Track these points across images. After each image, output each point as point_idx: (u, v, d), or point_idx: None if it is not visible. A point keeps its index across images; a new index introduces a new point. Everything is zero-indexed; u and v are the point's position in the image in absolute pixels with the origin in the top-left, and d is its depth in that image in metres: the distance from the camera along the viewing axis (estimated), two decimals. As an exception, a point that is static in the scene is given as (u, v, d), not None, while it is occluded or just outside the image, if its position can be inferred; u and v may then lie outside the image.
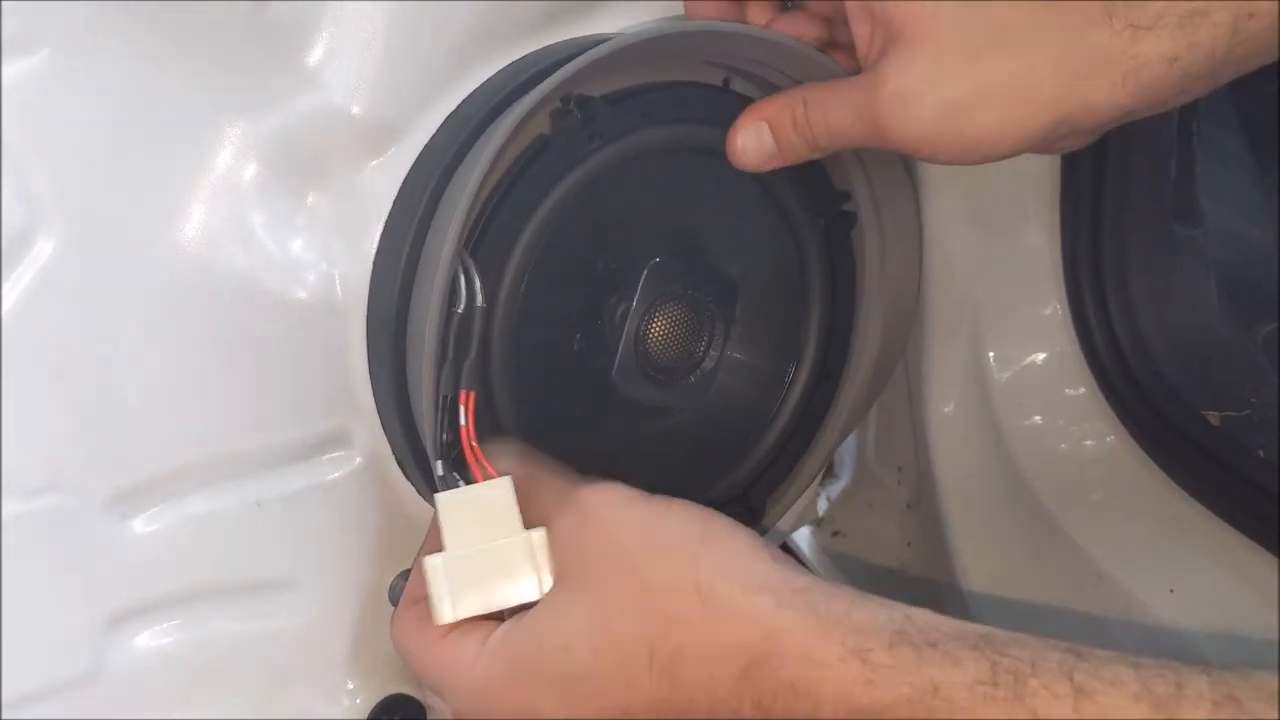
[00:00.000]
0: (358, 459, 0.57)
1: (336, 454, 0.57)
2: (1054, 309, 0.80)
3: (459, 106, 0.55)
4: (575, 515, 0.48)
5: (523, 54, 0.56)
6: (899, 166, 0.64)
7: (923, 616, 0.45)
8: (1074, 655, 0.42)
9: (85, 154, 0.48)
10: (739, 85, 0.59)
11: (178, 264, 0.51)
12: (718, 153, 0.56)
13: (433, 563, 0.48)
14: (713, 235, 0.61)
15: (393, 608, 0.59)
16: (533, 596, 0.48)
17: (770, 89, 0.58)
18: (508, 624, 0.47)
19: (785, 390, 0.66)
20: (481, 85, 0.55)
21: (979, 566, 0.81)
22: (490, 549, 0.48)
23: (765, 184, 0.60)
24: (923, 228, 0.67)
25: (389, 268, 0.54)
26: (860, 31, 0.53)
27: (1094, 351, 0.78)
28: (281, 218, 0.53)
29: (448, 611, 0.48)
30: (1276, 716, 0.38)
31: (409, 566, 0.59)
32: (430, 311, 0.49)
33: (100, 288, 0.50)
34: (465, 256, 0.51)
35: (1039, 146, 0.51)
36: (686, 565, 0.46)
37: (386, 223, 0.54)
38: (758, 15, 0.57)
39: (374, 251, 0.55)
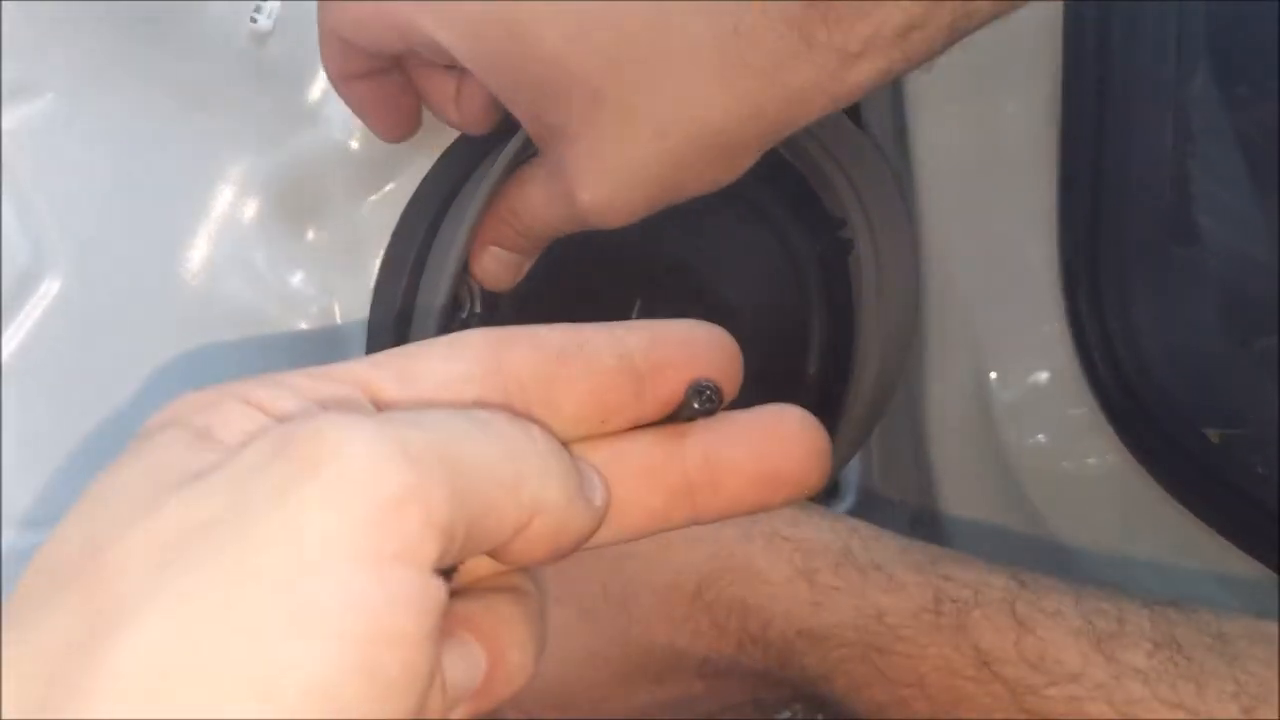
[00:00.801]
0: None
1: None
2: (1054, 327, 0.80)
3: (454, 143, 0.55)
4: None
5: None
6: (894, 192, 0.65)
7: (868, 531, 0.46)
8: (1017, 583, 0.43)
9: (90, 195, 0.50)
10: None
11: (181, 300, 0.52)
12: None
13: None
14: (708, 262, 0.62)
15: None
16: None
17: None
18: None
19: None
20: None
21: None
22: None
23: (760, 211, 0.61)
24: (919, 252, 0.68)
25: (388, 299, 0.55)
26: (520, 117, 0.46)
27: (1094, 370, 0.78)
28: (282, 253, 0.54)
29: None
30: (1216, 660, 0.39)
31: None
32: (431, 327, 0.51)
33: (105, 325, 0.51)
34: (467, 276, 0.52)
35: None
36: None
37: (385, 254, 0.55)
38: (435, 90, 0.49)
39: (373, 283, 0.55)
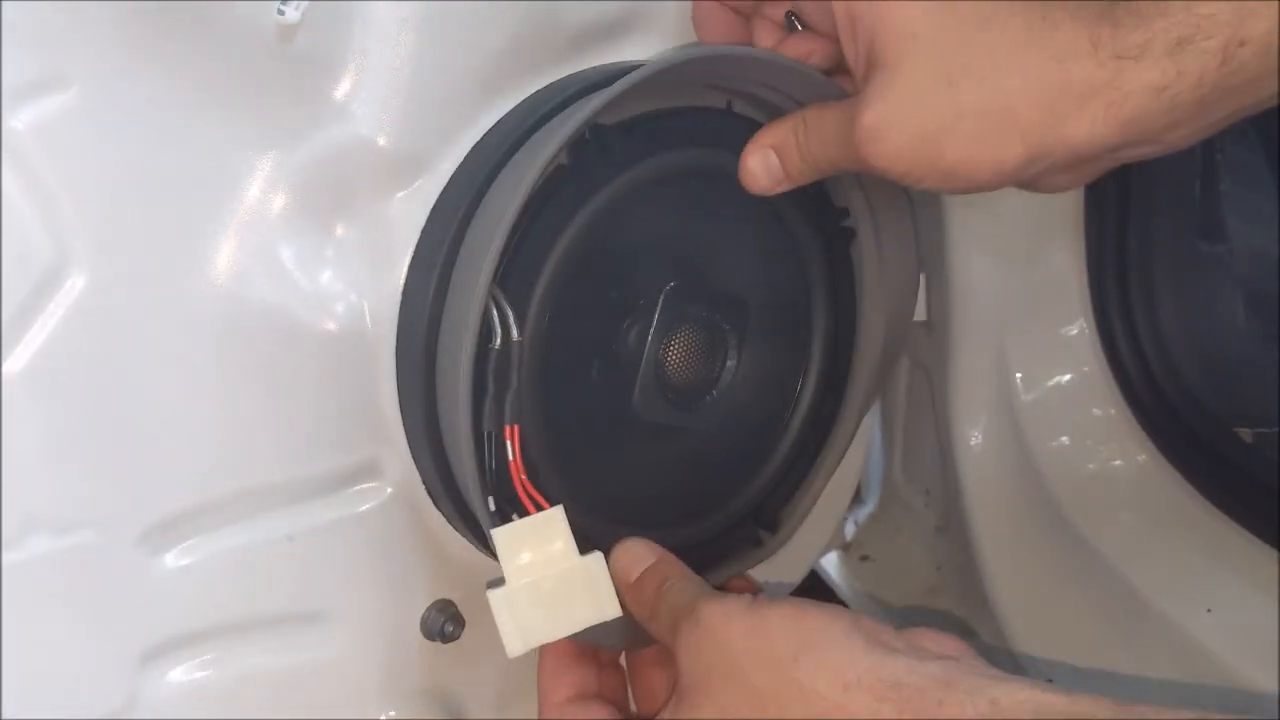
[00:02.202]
0: (388, 490, 0.57)
1: (367, 485, 0.57)
2: (1080, 328, 0.79)
3: (483, 137, 0.55)
4: (696, 630, 0.50)
5: (544, 84, 0.56)
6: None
7: (1039, 698, 0.44)
8: None
9: (115, 189, 0.49)
10: (741, 108, 0.59)
11: (208, 297, 0.51)
12: (722, 175, 0.56)
13: (496, 595, 0.50)
14: (720, 255, 0.62)
15: (424, 638, 0.59)
16: (597, 619, 0.51)
17: (772, 110, 0.58)
18: None
19: (794, 403, 0.67)
20: (505, 116, 0.56)
21: (1010, 589, 0.80)
22: (551, 575, 0.51)
23: (768, 203, 0.61)
24: (919, 239, 0.67)
25: (418, 299, 0.54)
26: (849, 54, 0.52)
27: (1122, 370, 0.78)
28: (310, 250, 0.53)
29: (518, 644, 0.51)
30: None
31: (441, 597, 0.59)
32: (463, 351, 0.49)
33: (131, 323, 0.50)
34: (497, 292, 0.52)
35: (1020, 180, 0.50)
36: (787, 669, 0.47)
37: (414, 254, 0.55)
38: (765, 37, 0.57)
39: (402, 282, 0.55)
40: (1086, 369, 0.79)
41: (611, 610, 0.53)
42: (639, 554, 0.55)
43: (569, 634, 0.52)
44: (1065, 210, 0.76)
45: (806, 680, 0.47)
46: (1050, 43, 0.47)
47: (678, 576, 0.54)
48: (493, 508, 0.51)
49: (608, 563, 0.54)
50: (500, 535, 0.51)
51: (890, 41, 0.49)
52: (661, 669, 0.57)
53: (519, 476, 0.52)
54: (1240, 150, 0.81)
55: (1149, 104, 0.46)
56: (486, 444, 0.52)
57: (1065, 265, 0.78)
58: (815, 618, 0.49)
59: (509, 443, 0.52)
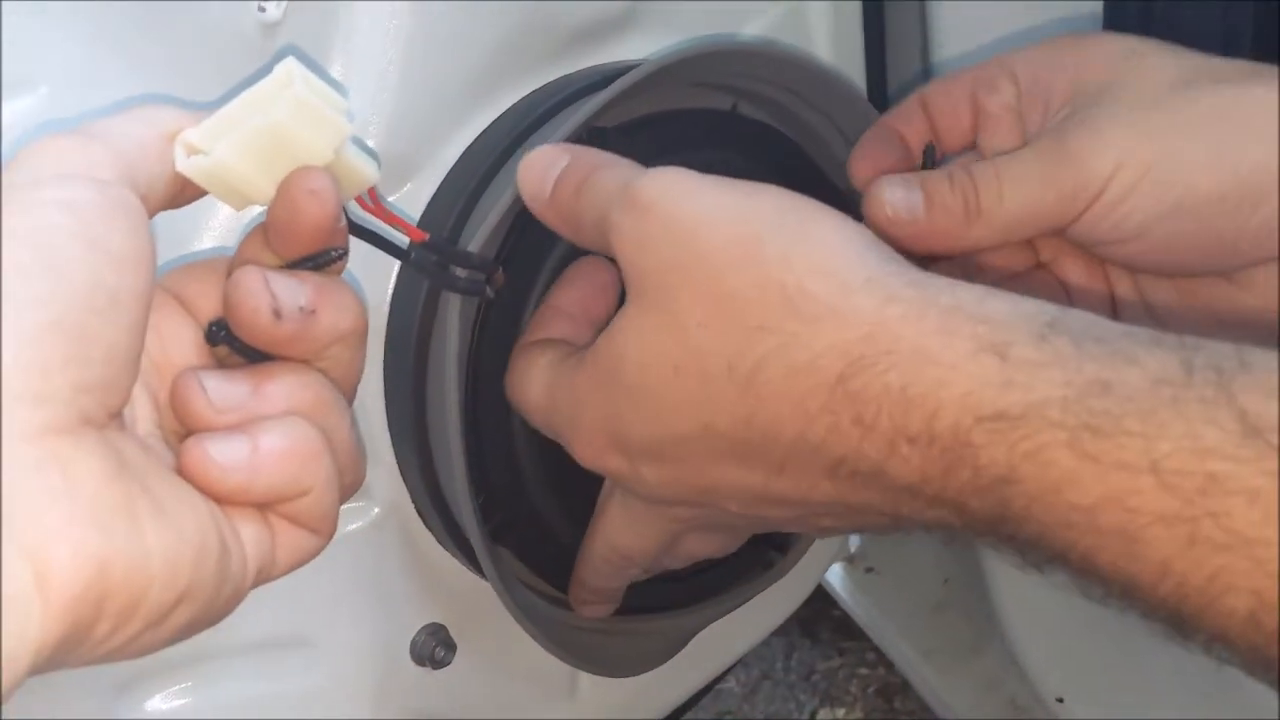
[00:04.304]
0: (376, 509, 0.55)
1: (354, 505, 0.55)
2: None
3: (476, 140, 0.53)
4: (636, 215, 0.42)
5: (537, 85, 0.55)
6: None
7: (1082, 314, 0.37)
8: None
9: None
10: (746, 109, 0.58)
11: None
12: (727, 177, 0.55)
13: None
14: None
15: (415, 663, 0.57)
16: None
17: (779, 111, 0.57)
18: (593, 345, 0.44)
19: None
20: (497, 119, 0.54)
21: (1021, 602, 0.79)
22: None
23: None
24: None
25: (406, 313, 0.52)
26: (1036, 115, 0.48)
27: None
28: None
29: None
30: None
31: (432, 620, 0.57)
32: (449, 365, 0.48)
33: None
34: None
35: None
36: (774, 266, 0.39)
37: (403, 265, 0.53)
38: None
39: (390, 292, 0.53)
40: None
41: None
42: (548, 158, 0.45)
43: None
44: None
45: (795, 279, 0.38)
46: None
47: (602, 166, 0.44)
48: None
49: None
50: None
51: (1112, 63, 0.46)
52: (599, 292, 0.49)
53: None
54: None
55: None
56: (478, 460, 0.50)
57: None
58: (817, 209, 0.41)
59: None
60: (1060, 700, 0.78)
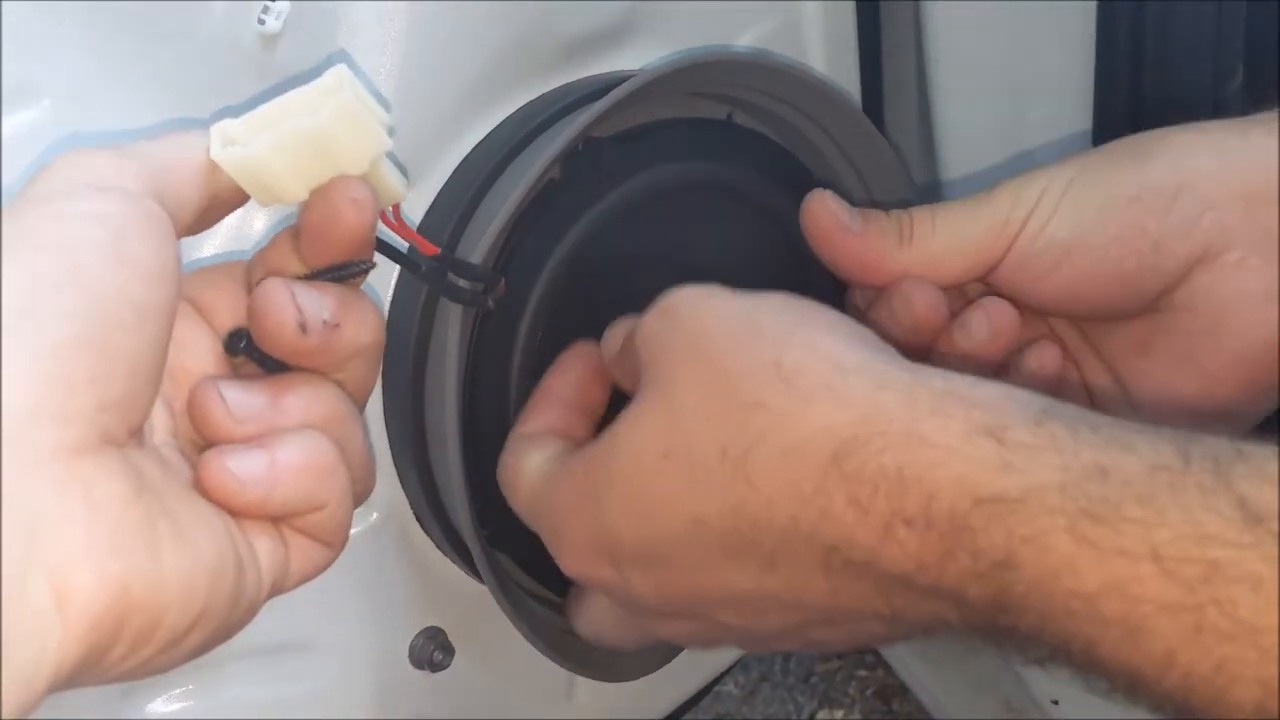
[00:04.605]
0: (375, 515, 0.56)
1: (359, 512, 0.55)
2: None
3: (472, 151, 0.54)
4: (660, 316, 0.43)
5: (534, 95, 0.55)
6: (903, 185, 0.63)
7: (1073, 405, 0.36)
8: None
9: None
10: (741, 119, 0.58)
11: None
12: (723, 188, 0.55)
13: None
14: (720, 269, 0.60)
15: (413, 667, 0.57)
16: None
17: (774, 120, 0.57)
18: (589, 443, 0.44)
19: None
20: (495, 129, 0.54)
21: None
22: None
23: (769, 214, 0.59)
24: None
25: (404, 321, 0.52)
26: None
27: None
28: (292, 268, 0.51)
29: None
30: None
31: (430, 624, 0.58)
32: (449, 371, 0.48)
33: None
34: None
35: None
36: (769, 347, 0.39)
37: (400, 274, 0.53)
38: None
39: (389, 300, 0.53)
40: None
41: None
42: (623, 327, 0.48)
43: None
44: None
45: (790, 359, 0.39)
46: None
47: None
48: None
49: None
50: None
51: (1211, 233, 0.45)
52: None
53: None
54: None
55: None
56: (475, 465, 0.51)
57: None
58: (820, 307, 0.42)
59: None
60: (1055, 703, 0.78)
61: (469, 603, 0.57)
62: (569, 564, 0.45)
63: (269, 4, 0.48)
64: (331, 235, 0.38)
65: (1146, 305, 0.47)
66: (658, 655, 0.59)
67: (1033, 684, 0.78)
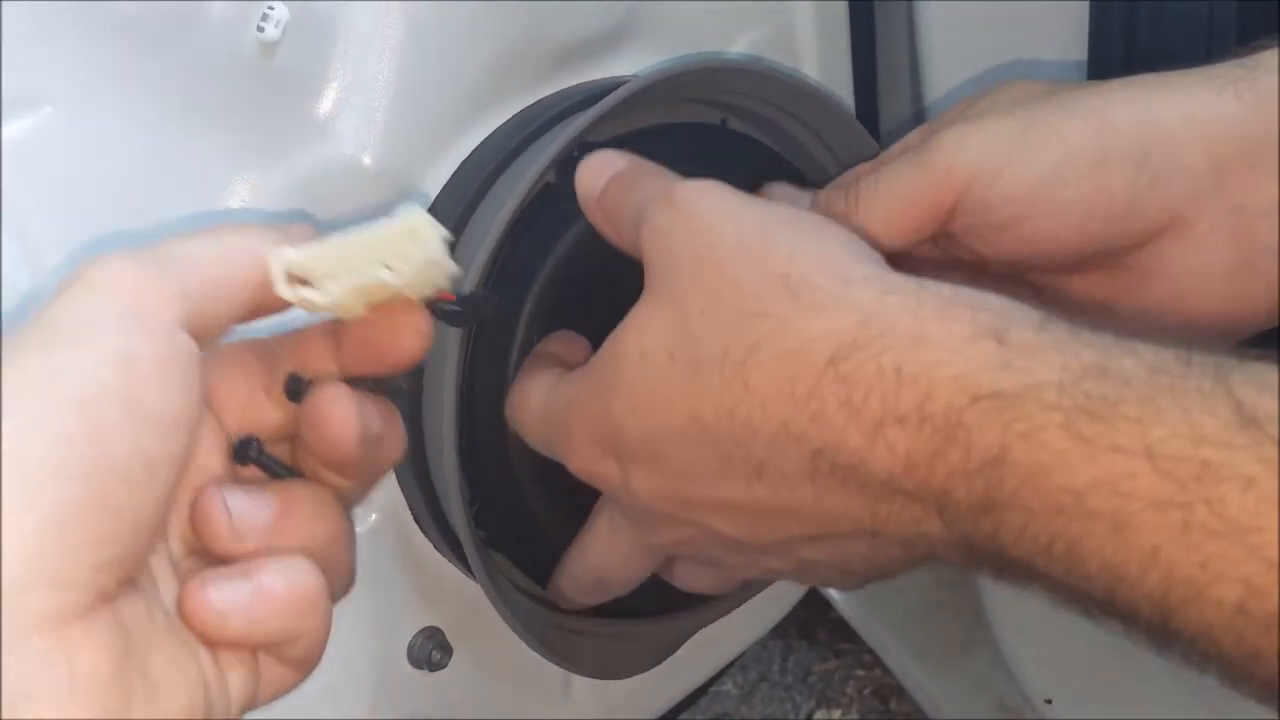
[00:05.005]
0: (374, 516, 0.56)
1: (354, 512, 0.56)
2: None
3: (468, 157, 0.54)
4: (667, 211, 0.43)
5: (530, 102, 0.56)
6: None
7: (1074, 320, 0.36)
8: None
9: (90, 211, 0.47)
10: (735, 124, 0.58)
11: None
12: None
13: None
14: None
15: (411, 666, 0.58)
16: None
17: (767, 126, 0.58)
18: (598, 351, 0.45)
19: None
20: (493, 133, 0.55)
21: (1011, 604, 0.79)
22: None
23: None
24: None
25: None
26: None
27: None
28: (292, 271, 0.52)
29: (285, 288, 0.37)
30: None
31: (428, 624, 0.58)
32: (446, 375, 0.48)
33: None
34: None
35: None
36: (779, 259, 0.40)
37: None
38: None
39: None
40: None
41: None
42: (606, 161, 0.47)
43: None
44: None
45: (798, 272, 0.39)
46: None
47: (652, 173, 0.46)
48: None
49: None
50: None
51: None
52: None
53: None
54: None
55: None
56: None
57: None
58: (831, 222, 0.42)
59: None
60: (1049, 701, 0.78)
61: (467, 603, 0.58)
62: (575, 460, 0.45)
63: (268, 12, 0.48)
64: (386, 356, 0.38)
65: (1107, 262, 0.47)
66: (652, 653, 0.60)
67: (1026, 683, 0.78)
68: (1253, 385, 0.32)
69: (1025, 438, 0.34)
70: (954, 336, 0.36)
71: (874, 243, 0.45)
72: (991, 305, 0.37)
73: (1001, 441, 0.34)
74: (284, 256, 0.36)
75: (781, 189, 0.52)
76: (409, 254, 0.36)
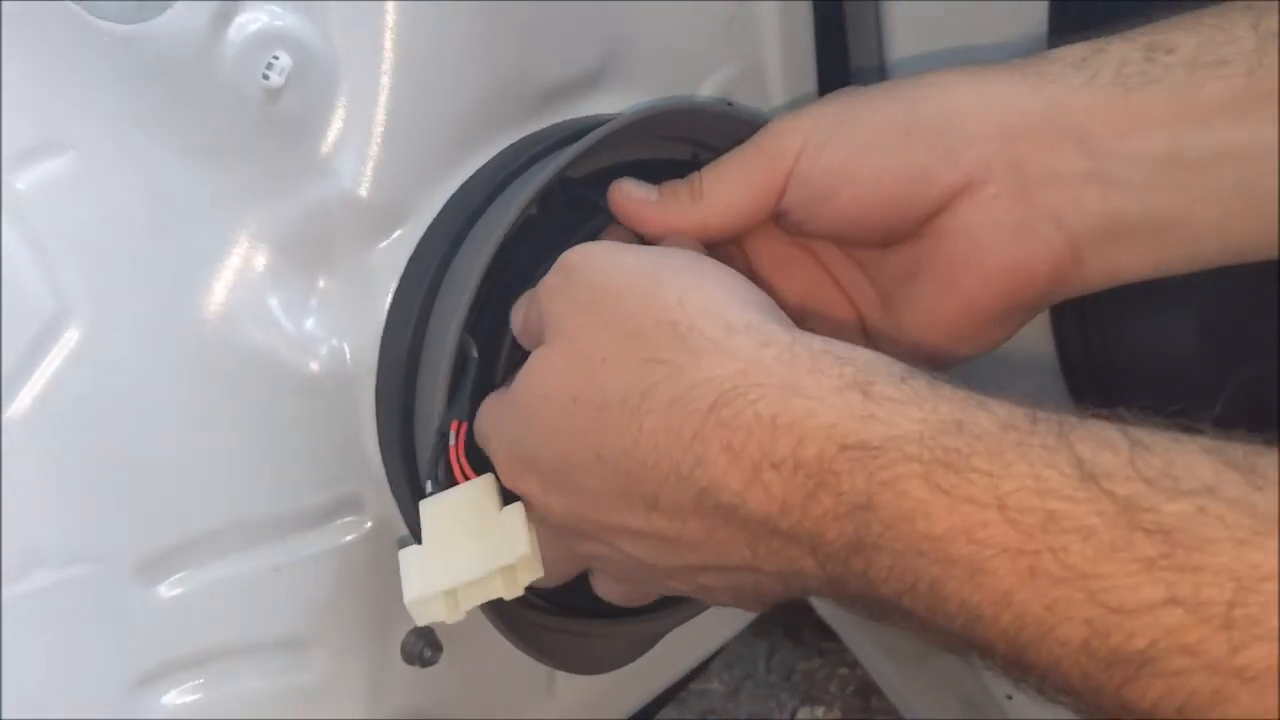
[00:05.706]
0: (368, 523, 0.59)
1: (349, 519, 0.59)
2: (1039, 348, 0.80)
3: (458, 190, 0.57)
4: (563, 275, 0.46)
5: (515, 139, 0.59)
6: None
7: (935, 374, 0.39)
8: (1122, 421, 0.36)
9: (109, 247, 0.51)
10: (705, 158, 0.61)
11: (197, 344, 0.54)
12: None
13: (406, 552, 0.50)
14: None
15: (404, 663, 0.61)
16: (504, 561, 0.48)
17: None
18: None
19: None
20: (480, 168, 0.58)
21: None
22: (464, 528, 0.49)
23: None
24: None
25: (395, 343, 0.56)
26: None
27: (1078, 390, 0.79)
28: (295, 299, 0.56)
29: (416, 588, 0.50)
30: None
31: (419, 625, 0.61)
32: (436, 393, 0.52)
33: (127, 369, 0.52)
34: (468, 339, 0.54)
35: None
36: (670, 304, 0.43)
37: (393, 299, 0.57)
38: None
39: (382, 326, 0.57)
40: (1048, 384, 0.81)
41: (520, 549, 0.48)
42: (524, 301, 0.52)
43: (472, 578, 0.49)
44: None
45: (687, 319, 0.42)
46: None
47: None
48: (430, 490, 0.53)
49: None
50: (425, 505, 0.51)
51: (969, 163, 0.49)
52: None
53: (457, 458, 0.51)
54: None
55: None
56: (438, 443, 0.53)
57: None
58: (717, 267, 0.45)
59: (453, 432, 0.51)
60: (1009, 698, 0.81)
61: (456, 603, 0.61)
62: (503, 475, 0.49)
63: (273, 60, 0.52)
64: None
65: (913, 230, 0.51)
66: (632, 649, 0.62)
67: (989, 682, 0.81)
68: (1092, 441, 0.35)
69: (888, 486, 0.37)
70: (824, 388, 0.39)
71: (720, 222, 0.51)
72: (857, 359, 0.40)
73: (867, 489, 0.37)
74: (418, 599, 0.51)
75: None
76: (515, 578, 0.49)
